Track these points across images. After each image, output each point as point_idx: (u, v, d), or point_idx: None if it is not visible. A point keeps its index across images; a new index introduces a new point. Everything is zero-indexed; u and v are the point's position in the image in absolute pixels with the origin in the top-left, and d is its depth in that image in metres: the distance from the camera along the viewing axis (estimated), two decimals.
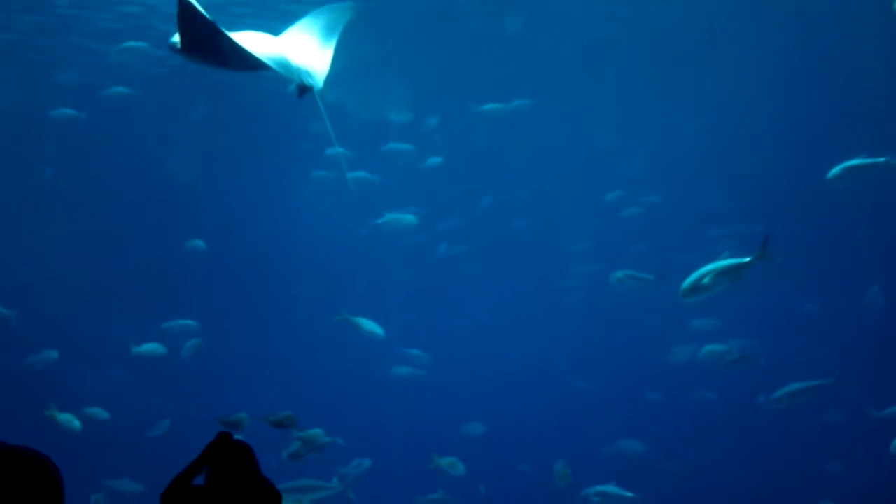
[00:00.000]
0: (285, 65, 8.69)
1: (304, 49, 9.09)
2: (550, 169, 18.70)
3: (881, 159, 12.22)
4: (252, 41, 8.42)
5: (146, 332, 15.52)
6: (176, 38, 8.19)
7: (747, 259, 10.57)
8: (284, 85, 13.64)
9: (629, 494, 13.21)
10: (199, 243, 16.75)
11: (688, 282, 10.66)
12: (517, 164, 18.85)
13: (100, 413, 14.41)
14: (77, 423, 13.68)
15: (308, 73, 8.91)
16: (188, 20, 7.70)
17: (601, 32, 17.48)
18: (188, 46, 8.08)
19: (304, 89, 8.98)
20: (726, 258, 10.70)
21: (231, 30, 8.15)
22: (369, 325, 14.93)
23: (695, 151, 17.73)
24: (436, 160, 17.28)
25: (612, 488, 13.28)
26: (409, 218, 16.63)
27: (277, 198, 19.23)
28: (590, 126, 18.38)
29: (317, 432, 11.90)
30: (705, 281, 10.46)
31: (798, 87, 17.33)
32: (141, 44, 16.05)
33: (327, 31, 9.27)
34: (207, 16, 7.69)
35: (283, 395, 14.83)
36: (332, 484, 12.73)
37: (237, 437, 4.50)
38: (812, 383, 13.05)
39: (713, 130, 17.86)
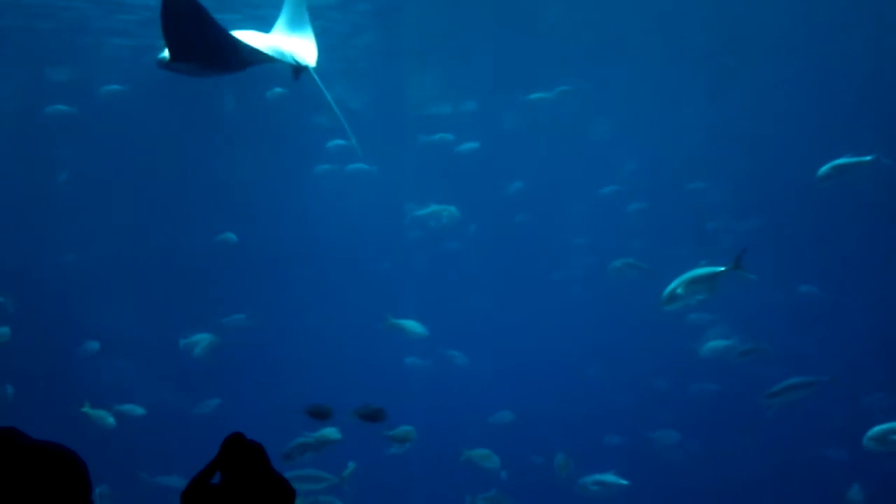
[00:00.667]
0: (279, 52, 9.25)
1: (290, 36, 9.73)
2: (560, 163, 18.86)
3: (867, 158, 12.27)
4: (244, 37, 8.80)
5: (165, 328, 15.62)
6: (165, 53, 8.40)
7: (720, 269, 10.80)
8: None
9: (624, 482, 13.19)
10: (230, 236, 16.62)
11: (666, 291, 10.97)
12: (538, 155, 18.98)
13: (135, 409, 14.20)
14: (111, 420, 13.37)
15: (300, 56, 9.47)
16: (186, 18, 7.85)
17: (606, 28, 17.65)
18: (179, 54, 8.24)
19: (299, 70, 9.48)
20: (703, 266, 10.98)
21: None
22: (413, 326, 14.96)
23: (697, 146, 17.88)
24: (472, 145, 17.24)
25: (609, 477, 13.26)
26: (450, 210, 16.61)
27: (295, 192, 19.30)
28: (591, 120, 18.55)
29: (408, 429, 11.55)
30: (678, 291, 10.77)
31: (802, 81, 17.42)
32: None
33: (299, 16, 9.85)
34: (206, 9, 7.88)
35: (305, 390, 14.86)
36: (329, 475, 12.18)
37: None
38: (808, 378, 13.05)
39: (717, 125, 18.00)
